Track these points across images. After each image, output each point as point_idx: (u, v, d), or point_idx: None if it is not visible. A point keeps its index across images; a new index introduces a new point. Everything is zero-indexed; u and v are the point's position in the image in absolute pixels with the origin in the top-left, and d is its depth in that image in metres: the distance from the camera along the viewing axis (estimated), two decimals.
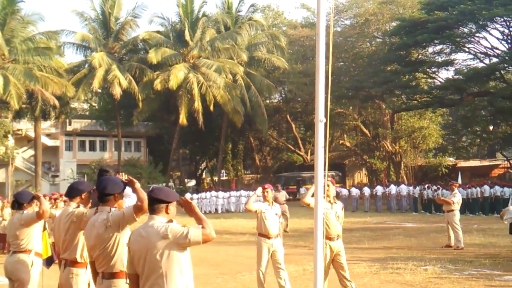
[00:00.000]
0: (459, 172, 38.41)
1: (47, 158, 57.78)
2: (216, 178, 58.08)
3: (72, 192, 6.23)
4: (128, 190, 5.82)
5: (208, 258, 15.98)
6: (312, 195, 8.74)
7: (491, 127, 50.57)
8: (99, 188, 5.59)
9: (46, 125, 56.69)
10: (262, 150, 64.13)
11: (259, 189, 10.36)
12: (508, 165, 50.39)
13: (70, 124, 59.58)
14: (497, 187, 31.75)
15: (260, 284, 10.18)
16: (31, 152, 56.39)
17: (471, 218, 28.59)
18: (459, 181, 33.88)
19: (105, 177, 6.04)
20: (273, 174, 59.81)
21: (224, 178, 62.32)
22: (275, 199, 11.58)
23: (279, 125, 61.79)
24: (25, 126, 55.71)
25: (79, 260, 5.99)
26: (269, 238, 10.08)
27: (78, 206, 6.11)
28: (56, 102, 45.02)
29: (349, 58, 51.73)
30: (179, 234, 4.49)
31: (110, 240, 5.31)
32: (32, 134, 52.39)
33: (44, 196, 16.99)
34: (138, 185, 5.54)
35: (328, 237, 9.14)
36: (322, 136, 5.01)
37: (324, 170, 5.06)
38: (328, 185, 9.03)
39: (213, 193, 40.22)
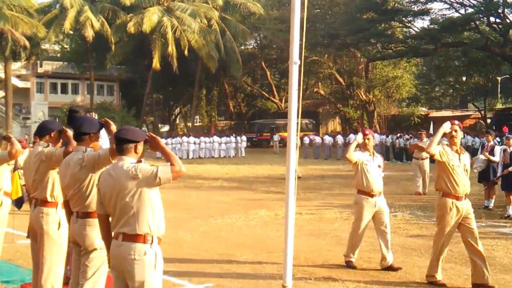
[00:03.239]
0: (431, 122, 38.87)
1: (18, 100, 56.85)
2: (190, 124, 57.87)
3: (42, 131, 6.14)
4: (101, 132, 5.76)
5: (181, 202, 16.06)
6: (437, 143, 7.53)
7: (464, 78, 50.93)
8: (74, 127, 5.51)
9: (16, 66, 55.65)
10: (237, 96, 63.86)
11: (360, 135, 8.62)
12: (479, 116, 51.02)
13: (41, 66, 58.48)
14: (468, 137, 32.18)
15: (352, 250, 8.62)
16: (1, 93, 55.42)
17: None
18: (431, 130, 34.29)
19: (81, 116, 5.96)
20: (247, 121, 59.80)
21: (198, 124, 62.13)
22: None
23: (253, 72, 61.42)
24: None
25: (49, 199, 5.94)
26: (372, 196, 8.43)
27: (48, 145, 6.03)
28: (27, 43, 44.04)
29: (325, 5, 51.18)
30: (149, 173, 4.46)
31: (85, 180, 5.28)
32: (2, 75, 51.38)
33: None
34: (113, 127, 5.47)
35: (455, 196, 7.45)
36: (296, 79, 4.98)
37: (298, 112, 5.04)
38: (455, 131, 7.62)
39: (184, 138, 40.01)
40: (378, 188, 8.48)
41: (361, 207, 8.46)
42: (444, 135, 7.63)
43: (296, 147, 5.23)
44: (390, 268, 8.31)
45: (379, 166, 8.64)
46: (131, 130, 4.72)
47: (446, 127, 7.58)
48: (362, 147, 8.65)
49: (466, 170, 7.61)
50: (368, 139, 8.56)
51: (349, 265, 8.51)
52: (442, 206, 7.51)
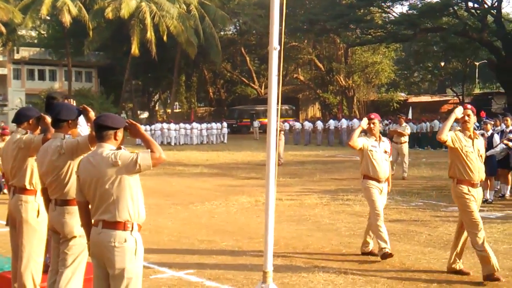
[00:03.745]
0: (410, 107, 39.10)
1: None
2: (169, 110, 57.61)
3: (20, 118, 6.06)
4: (80, 119, 5.71)
5: (161, 189, 16.02)
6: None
7: (442, 63, 51.27)
8: (52, 114, 5.45)
9: None
10: (216, 82, 63.68)
11: (364, 120, 8.27)
12: (458, 101, 51.41)
13: (18, 52, 57.75)
14: None
15: (381, 237, 8.05)
16: None
17: (420, 152, 29.26)
18: (410, 116, 34.56)
19: (59, 102, 5.90)
20: (227, 107, 59.69)
21: (178, 110, 61.89)
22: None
23: (233, 58, 61.22)
24: None
25: (28, 187, 5.89)
26: (379, 181, 8.20)
27: (27, 133, 5.96)
28: (3, 29, 43.50)
29: None
30: (128, 160, 4.43)
31: (63, 168, 5.23)
32: None
33: None
34: (92, 114, 5.42)
35: (470, 183, 7.24)
36: (276, 65, 4.96)
37: (278, 98, 5.03)
38: (468, 115, 7.28)
39: (165, 125, 39.88)
40: (385, 174, 8.27)
41: (370, 191, 8.20)
42: (456, 120, 7.39)
43: (277, 133, 5.22)
44: (370, 254, 8.34)
45: (386, 152, 8.37)
46: (111, 116, 4.68)
47: (458, 112, 7.28)
48: (368, 132, 8.34)
49: (481, 156, 7.36)
50: (373, 123, 8.26)
51: (386, 255, 7.95)
52: (459, 193, 7.26)
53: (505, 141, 13.61)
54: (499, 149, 13.33)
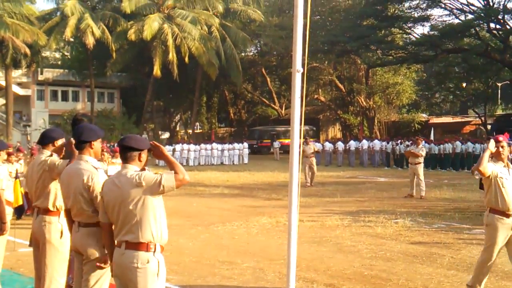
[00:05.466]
0: (432, 128, 38.86)
1: (18, 107, 56.93)
2: (190, 131, 57.89)
3: (45, 139, 6.12)
4: None
5: (182, 209, 16.03)
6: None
7: (464, 84, 51.01)
8: (75, 136, 5.50)
9: (17, 74, 55.73)
10: (237, 103, 63.90)
11: (492, 143, 7.06)
12: (480, 122, 51.06)
13: (41, 73, 58.55)
14: (469, 143, 32.19)
15: (479, 280, 7.20)
16: (2, 101, 55.46)
17: (442, 173, 29.03)
18: (432, 137, 34.36)
19: (82, 124, 5.95)
20: (247, 127, 59.81)
21: (198, 130, 62.16)
22: (302, 152, 9.23)
23: (254, 79, 61.44)
24: None
25: (51, 208, 5.93)
26: (508, 216, 7.02)
27: (51, 155, 6.02)
28: (27, 50, 44.11)
29: (326, 11, 51.24)
30: (152, 181, 4.46)
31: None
32: (3, 82, 51.45)
33: (20, 150, 16.82)
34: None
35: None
36: (299, 87, 4.98)
37: (301, 120, 5.04)
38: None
39: (185, 145, 39.90)
40: None
41: (495, 230, 7.07)
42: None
43: (300, 154, 5.22)
44: None
45: None
46: (135, 138, 4.73)
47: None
48: (495, 156, 7.17)
49: None
50: (502, 146, 7.09)
51: None
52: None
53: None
54: None
